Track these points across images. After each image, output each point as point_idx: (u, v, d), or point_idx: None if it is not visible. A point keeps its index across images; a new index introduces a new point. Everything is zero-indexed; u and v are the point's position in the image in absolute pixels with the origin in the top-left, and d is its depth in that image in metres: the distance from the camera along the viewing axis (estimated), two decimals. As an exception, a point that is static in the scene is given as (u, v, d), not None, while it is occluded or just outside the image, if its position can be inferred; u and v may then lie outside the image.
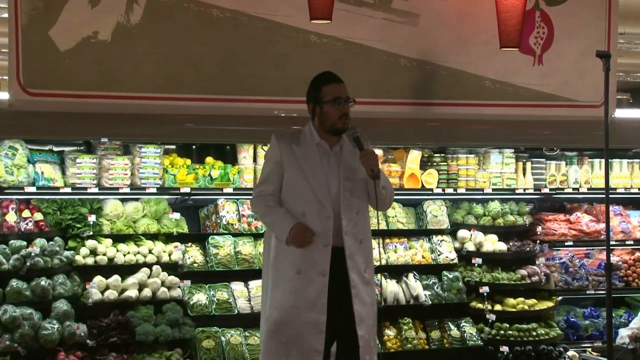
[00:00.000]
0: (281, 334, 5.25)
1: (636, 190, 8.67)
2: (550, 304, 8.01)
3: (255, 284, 7.33)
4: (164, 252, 7.20)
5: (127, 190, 7.10)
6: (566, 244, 8.38)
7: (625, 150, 8.82)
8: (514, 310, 7.83)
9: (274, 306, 5.30)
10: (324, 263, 5.22)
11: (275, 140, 5.38)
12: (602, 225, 8.34)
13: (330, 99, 5.25)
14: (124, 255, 7.08)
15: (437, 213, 8.06)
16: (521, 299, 7.89)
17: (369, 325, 5.31)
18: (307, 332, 5.21)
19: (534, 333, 7.73)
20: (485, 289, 7.77)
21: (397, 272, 7.78)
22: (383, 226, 7.90)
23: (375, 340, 5.45)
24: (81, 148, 7.35)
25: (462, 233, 8.06)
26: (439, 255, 7.91)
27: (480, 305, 7.81)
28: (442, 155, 8.11)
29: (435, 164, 8.03)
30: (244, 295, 7.31)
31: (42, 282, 6.67)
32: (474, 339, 7.63)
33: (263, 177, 5.46)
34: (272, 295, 5.33)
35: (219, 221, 7.49)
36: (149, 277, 7.08)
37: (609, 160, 6.10)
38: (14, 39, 6.43)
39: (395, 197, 7.88)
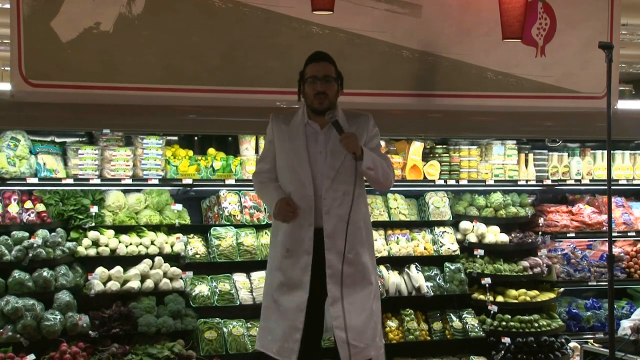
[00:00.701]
0: (274, 306, 5.42)
1: (638, 182, 8.67)
2: (552, 295, 8.01)
3: (258, 275, 7.34)
4: (166, 243, 7.21)
5: (129, 181, 7.10)
6: (568, 235, 8.37)
7: (627, 141, 8.81)
8: (515, 301, 7.83)
9: (270, 276, 5.51)
10: (308, 242, 5.29)
11: (270, 120, 5.52)
12: (604, 217, 8.34)
13: (308, 77, 5.32)
14: (126, 247, 7.08)
15: (439, 204, 8.06)
16: (523, 290, 7.89)
17: (350, 307, 5.27)
18: (290, 311, 5.30)
19: (536, 324, 7.73)
20: (487, 281, 7.76)
21: (399, 263, 7.78)
22: (385, 217, 7.90)
23: (372, 326, 5.38)
24: (83, 139, 7.34)
25: (464, 224, 8.05)
26: (441, 246, 7.91)
27: (482, 297, 7.81)
28: (444, 146, 8.10)
29: (437, 155, 8.02)
30: (246, 287, 7.31)
31: (45, 273, 6.67)
32: (476, 330, 7.64)
33: (261, 156, 5.69)
34: (270, 268, 5.53)
35: (221, 212, 7.49)
36: (151, 269, 7.08)
37: (612, 151, 6.10)
38: (15, 30, 6.44)
39: (398, 188, 7.95)
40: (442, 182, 7.95)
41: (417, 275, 7.66)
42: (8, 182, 6.79)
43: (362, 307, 5.34)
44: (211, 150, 7.56)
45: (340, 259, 5.24)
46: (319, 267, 5.29)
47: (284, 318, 5.33)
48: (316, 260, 5.30)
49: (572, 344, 7.91)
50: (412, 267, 7.73)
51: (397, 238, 7.85)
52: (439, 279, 7.76)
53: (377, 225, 7.76)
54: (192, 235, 7.42)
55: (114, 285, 6.91)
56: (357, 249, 5.36)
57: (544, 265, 8.03)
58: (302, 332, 5.27)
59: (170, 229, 7.33)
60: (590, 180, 8.52)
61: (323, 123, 5.35)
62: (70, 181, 6.96)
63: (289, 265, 5.34)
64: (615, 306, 8.21)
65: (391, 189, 7.81)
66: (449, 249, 7.90)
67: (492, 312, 7.72)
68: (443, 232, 8.01)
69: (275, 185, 5.43)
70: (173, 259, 7.21)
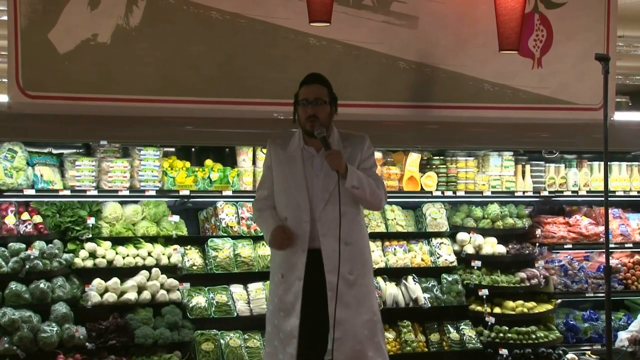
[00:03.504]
0: (274, 332, 5.42)
1: (635, 193, 8.68)
2: (549, 306, 8.01)
3: (255, 287, 7.34)
4: (163, 254, 7.20)
5: (127, 192, 7.11)
6: (565, 246, 8.38)
7: (624, 153, 8.82)
8: (513, 313, 7.83)
9: (270, 302, 5.51)
10: (300, 267, 5.27)
11: (268, 146, 5.52)
12: (601, 228, 8.35)
13: (300, 100, 5.32)
14: (123, 258, 7.08)
15: (436, 216, 8.06)
16: (520, 301, 7.89)
17: (352, 330, 5.24)
18: (286, 337, 5.29)
19: (533, 336, 7.73)
20: (484, 292, 7.76)
21: (396, 274, 7.78)
22: (382, 229, 7.90)
23: (372, 348, 5.34)
24: (80, 151, 7.35)
25: (461, 236, 8.06)
26: (438, 257, 7.91)
27: (479, 308, 7.81)
28: (441, 157, 8.11)
29: (434, 166, 8.03)
30: (243, 298, 7.31)
31: (41, 285, 6.67)
32: (473, 341, 7.63)
33: (260, 182, 5.66)
34: (270, 293, 5.53)
35: (218, 224, 7.49)
36: (148, 280, 7.08)
37: (608, 163, 6.10)
38: (13, 41, 6.43)
39: (395, 199, 7.96)
40: (439, 193, 7.95)
41: (414, 287, 7.66)
42: (5, 193, 6.80)
43: (362, 329, 5.31)
44: (208, 162, 7.56)
45: (340, 281, 5.21)
46: (315, 290, 5.25)
47: (283, 344, 5.32)
48: (312, 283, 5.26)
49: (570, 355, 7.90)
50: (410, 278, 7.73)
51: (395, 249, 7.85)
52: (436, 291, 7.75)
53: (375, 236, 7.77)
54: (189, 246, 7.42)
55: (110, 297, 6.90)
56: (358, 270, 5.34)
57: (541, 276, 8.03)
58: (297, 358, 5.24)
59: (167, 241, 7.33)
60: (587, 192, 8.52)
61: (318, 147, 5.33)
62: (68, 192, 6.97)
63: (284, 290, 5.33)
64: (613, 318, 8.20)
65: (388, 200, 7.89)
66: (446, 260, 7.90)
67: (489, 323, 7.72)
68: (440, 243, 8.01)
69: (272, 213, 5.41)
70: (170, 270, 7.21)
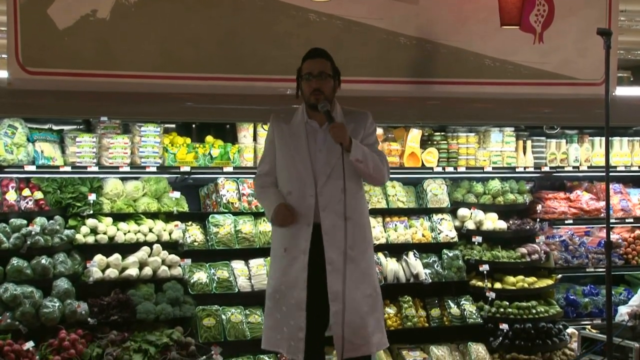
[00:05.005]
0: (276, 306, 5.41)
1: (636, 169, 8.67)
2: (549, 281, 8.03)
3: (256, 263, 7.35)
4: (164, 230, 7.21)
5: (127, 169, 7.11)
6: (566, 222, 8.39)
7: (625, 128, 8.80)
8: (513, 288, 7.85)
9: (270, 277, 5.51)
10: (305, 241, 5.28)
11: (270, 120, 5.50)
12: (602, 204, 8.35)
13: (304, 74, 5.31)
14: (125, 234, 7.09)
15: (437, 192, 8.06)
16: (521, 277, 7.91)
17: (352, 304, 5.24)
18: (291, 310, 5.30)
19: (534, 311, 7.75)
20: (485, 267, 7.78)
21: (397, 250, 7.80)
22: (383, 205, 7.91)
23: (372, 324, 5.36)
24: (81, 127, 7.34)
25: (462, 211, 8.06)
26: (439, 233, 7.92)
27: (480, 284, 7.82)
28: (442, 133, 8.09)
29: (435, 142, 8.02)
30: (245, 274, 7.32)
31: (43, 261, 6.69)
32: (474, 316, 7.66)
33: (262, 157, 5.63)
34: (271, 268, 5.53)
35: (219, 200, 7.50)
36: (149, 256, 7.09)
37: (610, 138, 6.09)
38: (12, 17, 6.41)
39: (396, 175, 7.95)
40: (440, 169, 7.95)
41: (415, 263, 7.67)
42: (6, 169, 6.81)
43: (362, 304, 5.32)
44: (209, 138, 7.55)
45: (340, 256, 5.22)
46: (318, 264, 5.27)
47: (287, 317, 5.32)
48: (316, 257, 5.28)
49: (570, 330, 7.93)
50: (410, 254, 7.74)
51: (395, 225, 7.86)
52: (437, 266, 7.77)
53: (375, 212, 7.77)
54: (190, 222, 7.43)
55: (112, 273, 6.92)
56: (359, 245, 5.34)
57: (542, 252, 8.04)
58: (306, 331, 5.26)
59: (168, 217, 7.34)
60: (588, 167, 8.52)
61: (322, 121, 5.33)
62: (68, 169, 6.97)
63: (287, 264, 5.33)
64: (613, 292, 8.22)
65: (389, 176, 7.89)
66: (447, 236, 7.91)
67: (490, 298, 7.74)
68: (441, 219, 8.01)
69: (274, 190, 5.41)
70: (171, 246, 7.22)
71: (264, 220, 7.48)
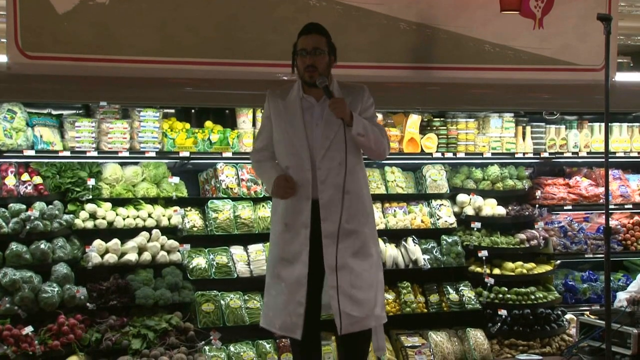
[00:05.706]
0: (276, 282, 5.41)
1: (636, 154, 8.68)
2: (548, 267, 8.04)
3: (255, 248, 7.36)
4: (164, 216, 7.21)
5: (126, 154, 7.11)
6: (565, 208, 8.39)
7: (625, 114, 8.80)
8: (512, 274, 7.86)
9: (271, 252, 5.50)
10: (305, 215, 5.28)
11: (267, 96, 5.50)
12: (601, 189, 8.35)
13: (298, 50, 5.30)
14: (124, 219, 7.09)
15: (436, 177, 8.06)
16: (520, 262, 7.92)
17: (347, 277, 5.23)
18: (292, 285, 5.29)
19: (532, 297, 7.76)
20: (484, 253, 7.78)
21: (396, 236, 7.80)
22: (382, 190, 7.91)
23: (371, 297, 5.32)
24: (80, 112, 7.34)
25: (461, 197, 8.06)
26: (438, 219, 7.92)
27: (479, 269, 7.83)
28: (441, 119, 8.09)
29: (434, 128, 8.01)
30: (244, 259, 7.33)
31: (42, 246, 6.69)
32: (473, 302, 7.67)
33: (258, 133, 5.66)
34: (271, 244, 5.51)
35: (218, 185, 7.50)
36: (148, 241, 7.09)
37: (609, 124, 6.09)
38: (11, 1, 6.39)
39: (395, 161, 7.95)
40: (439, 155, 7.95)
41: (414, 248, 7.67)
42: (5, 154, 6.80)
43: (360, 278, 5.30)
44: (208, 123, 7.54)
45: (336, 229, 5.21)
46: (319, 239, 5.27)
47: (285, 292, 5.32)
48: (316, 233, 5.27)
49: (569, 315, 7.94)
50: (409, 239, 7.75)
51: (395, 211, 7.86)
52: (436, 252, 7.77)
53: (375, 198, 7.73)
54: (189, 208, 7.43)
55: (111, 258, 6.93)
56: (357, 218, 5.33)
57: (541, 237, 8.05)
58: (305, 306, 5.26)
59: (167, 202, 7.34)
60: (588, 153, 8.52)
61: (318, 96, 5.33)
62: (67, 154, 6.97)
63: (288, 239, 5.33)
64: (612, 278, 8.23)
65: (388, 162, 7.89)
66: (446, 221, 7.91)
67: (488, 284, 7.75)
68: (440, 205, 8.01)
69: (272, 164, 5.43)
70: (170, 231, 7.22)
71: (263, 206, 7.48)
